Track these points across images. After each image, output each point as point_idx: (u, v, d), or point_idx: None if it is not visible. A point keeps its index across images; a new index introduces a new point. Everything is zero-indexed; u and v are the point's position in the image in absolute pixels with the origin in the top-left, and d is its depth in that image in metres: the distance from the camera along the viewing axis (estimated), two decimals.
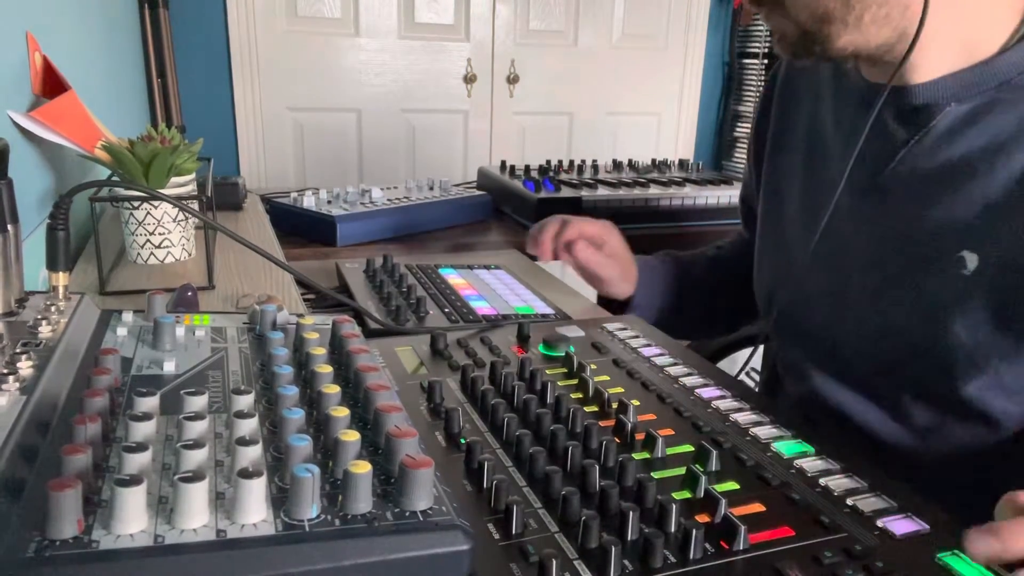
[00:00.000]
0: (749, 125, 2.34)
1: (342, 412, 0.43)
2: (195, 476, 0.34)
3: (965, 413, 0.66)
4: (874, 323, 0.72)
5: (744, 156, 2.40)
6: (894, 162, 0.70)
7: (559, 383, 0.64)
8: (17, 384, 0.43)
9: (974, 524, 0.43)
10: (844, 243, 0.74)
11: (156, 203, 0.92)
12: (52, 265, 0.61)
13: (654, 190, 1.60)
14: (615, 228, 0.99)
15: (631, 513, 0.42)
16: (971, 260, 0.63)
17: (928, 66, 0.66)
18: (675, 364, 0.69)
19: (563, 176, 1.70)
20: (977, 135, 0.64)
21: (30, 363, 0.46)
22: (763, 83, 0.92)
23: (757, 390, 0.96)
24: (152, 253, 0.95)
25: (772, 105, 0.89)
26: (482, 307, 0.89)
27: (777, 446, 0.54)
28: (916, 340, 0.68)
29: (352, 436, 0.40)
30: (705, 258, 1.07)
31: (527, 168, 1.72)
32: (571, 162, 1.79)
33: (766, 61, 3.01)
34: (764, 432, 0.56)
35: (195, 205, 0.90)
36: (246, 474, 0.35)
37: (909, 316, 0.68)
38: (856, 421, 0.74)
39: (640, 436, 0.54)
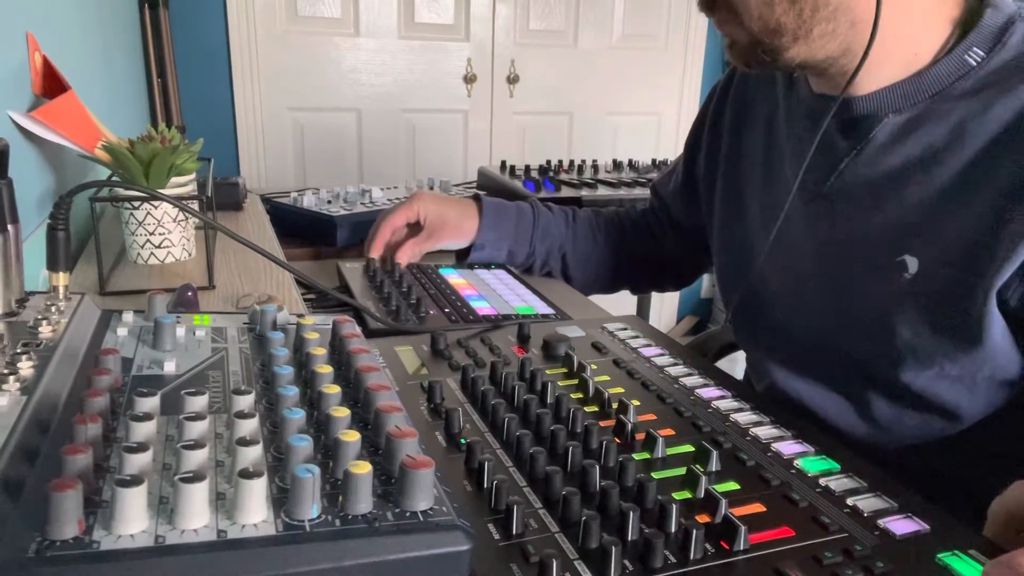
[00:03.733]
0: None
1: (342, 412, 0.43)
2: (196, 476, 0.34)
3: (920, 404, 0.68)
4: (826, 322, 0.74)
5: None
6: (837, 172, 0.72)
7: (559, 383, 0.64)
8: (17, 384, 0.43)
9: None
10: (797, 246, 0.77)
11: (156, 203, 0.92)
12: (52, 265, 0.61)
13: None
14: (423, 195, 1.05)
15: (631, 513, 0.42)
16: (912, 264, 0.65)
17: (869, 79, 0.68)
18: (675, 364, 0.69)
19: (563, 176, 1.70)
20: (914, 144, 0.66)
21: (30, 363, 0.46)
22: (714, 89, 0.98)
23: None
24: (152, 253, 0.96)
25: (725, 112, 0.91)
26: (482, 307, 0.89)
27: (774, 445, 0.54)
28: (866, 339, 0.70)
29: (352, 436, 0.40)
30: (600, 217, 1.14)
31: (527, 168, 1.71)
32: (571, 162, 1.79)
33: None
34: (764, 432, 0.56)
35: (195, 205, 0.90)
36: (247, 474, 0.35)
37: (858, 317, 0.70)
38: (818, 414, 0.75)
39: (640, 436, 0.54)
